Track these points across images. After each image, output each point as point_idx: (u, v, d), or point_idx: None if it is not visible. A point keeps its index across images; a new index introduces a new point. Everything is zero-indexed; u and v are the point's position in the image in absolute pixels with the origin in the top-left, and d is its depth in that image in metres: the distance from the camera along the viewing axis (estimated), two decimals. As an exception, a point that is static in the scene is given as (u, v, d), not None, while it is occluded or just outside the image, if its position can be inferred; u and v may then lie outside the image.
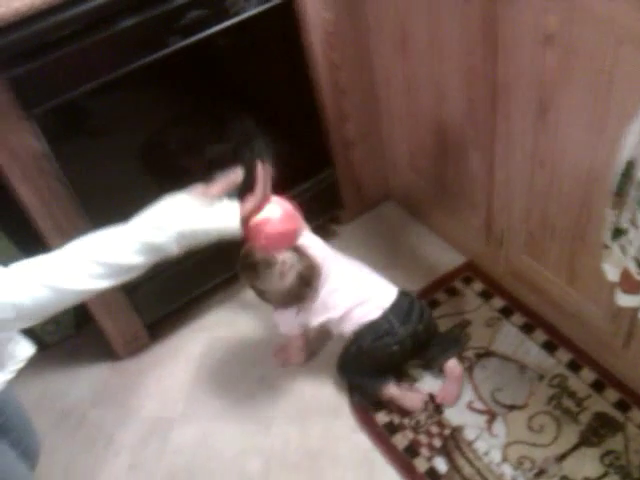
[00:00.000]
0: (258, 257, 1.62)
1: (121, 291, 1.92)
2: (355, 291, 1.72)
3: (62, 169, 1.62)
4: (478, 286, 1.98)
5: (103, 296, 1.85)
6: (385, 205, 2.30)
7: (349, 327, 1.72)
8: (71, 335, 2.18)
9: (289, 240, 1.38)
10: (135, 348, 2.08)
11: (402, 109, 1.97)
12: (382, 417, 1.74)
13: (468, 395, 1.74)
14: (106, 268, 1.06)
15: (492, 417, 1.68)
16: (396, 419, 1.72)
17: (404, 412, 1.74)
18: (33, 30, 1.42)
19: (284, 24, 1.76)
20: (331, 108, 1.98)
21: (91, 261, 1.05)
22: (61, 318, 2.10)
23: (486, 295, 1.95)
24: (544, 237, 1.66)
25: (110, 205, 1.71)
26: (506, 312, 1.89)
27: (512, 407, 1.69)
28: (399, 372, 1.81)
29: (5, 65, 1.43)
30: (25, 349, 1.32)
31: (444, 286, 2.01)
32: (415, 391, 1.78)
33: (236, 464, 1.75)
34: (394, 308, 1.70)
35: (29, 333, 2.04)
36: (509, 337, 1.83)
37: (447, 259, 2.08)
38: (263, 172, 1.27)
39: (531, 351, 1.79)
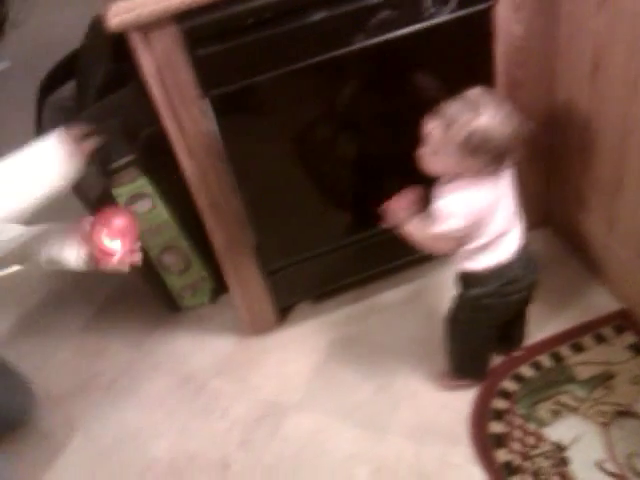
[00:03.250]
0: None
1: (261, 271, 1.94)
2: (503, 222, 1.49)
3: (225, 149, 1.64)
4: (630, 338, 1.84)
5: (241, 272, 1.91)
6: (541, 232, 2.16)
7: (474, 264, 1.52)
8: (205, 303, 2.23)
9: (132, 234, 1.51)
10: (262, 328, 2.09)
11: (578, 140, 1.85)
12: (502, 455, 1.66)
13: (599, 453, 1.62)
14: None
15: (622, 482, 1.56)
16: (517, 460, 1.64)
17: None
18: (222, 15, 1.43)
19: (474, 33, 1.68)
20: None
21: None
22: (199, 286, 2.16)
23: (637, 349, 1.81)
24: None
25: (265, 187, 1.74)
26: (656, 371, 1.76)
27: (648, 478, 1.56)
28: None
29: (192, 45, 1.45)
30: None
31: (592, 331, 1.88)
32: None
33: (343, 467, 1.73)
34: (521, 253, 1.52)
35: (165, 295, 2.14)
36: (655, 399, 1.70)
37: (600, 302, 1.94)
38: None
39: (678, 419, 1.66)
